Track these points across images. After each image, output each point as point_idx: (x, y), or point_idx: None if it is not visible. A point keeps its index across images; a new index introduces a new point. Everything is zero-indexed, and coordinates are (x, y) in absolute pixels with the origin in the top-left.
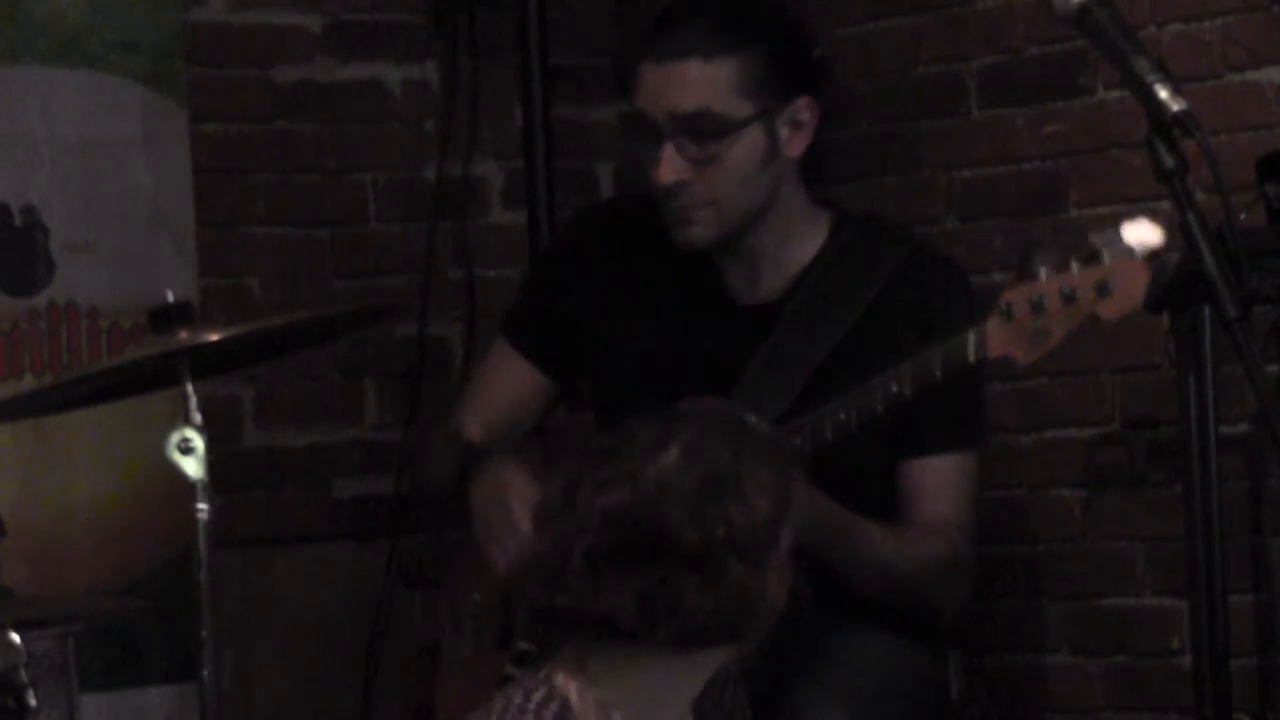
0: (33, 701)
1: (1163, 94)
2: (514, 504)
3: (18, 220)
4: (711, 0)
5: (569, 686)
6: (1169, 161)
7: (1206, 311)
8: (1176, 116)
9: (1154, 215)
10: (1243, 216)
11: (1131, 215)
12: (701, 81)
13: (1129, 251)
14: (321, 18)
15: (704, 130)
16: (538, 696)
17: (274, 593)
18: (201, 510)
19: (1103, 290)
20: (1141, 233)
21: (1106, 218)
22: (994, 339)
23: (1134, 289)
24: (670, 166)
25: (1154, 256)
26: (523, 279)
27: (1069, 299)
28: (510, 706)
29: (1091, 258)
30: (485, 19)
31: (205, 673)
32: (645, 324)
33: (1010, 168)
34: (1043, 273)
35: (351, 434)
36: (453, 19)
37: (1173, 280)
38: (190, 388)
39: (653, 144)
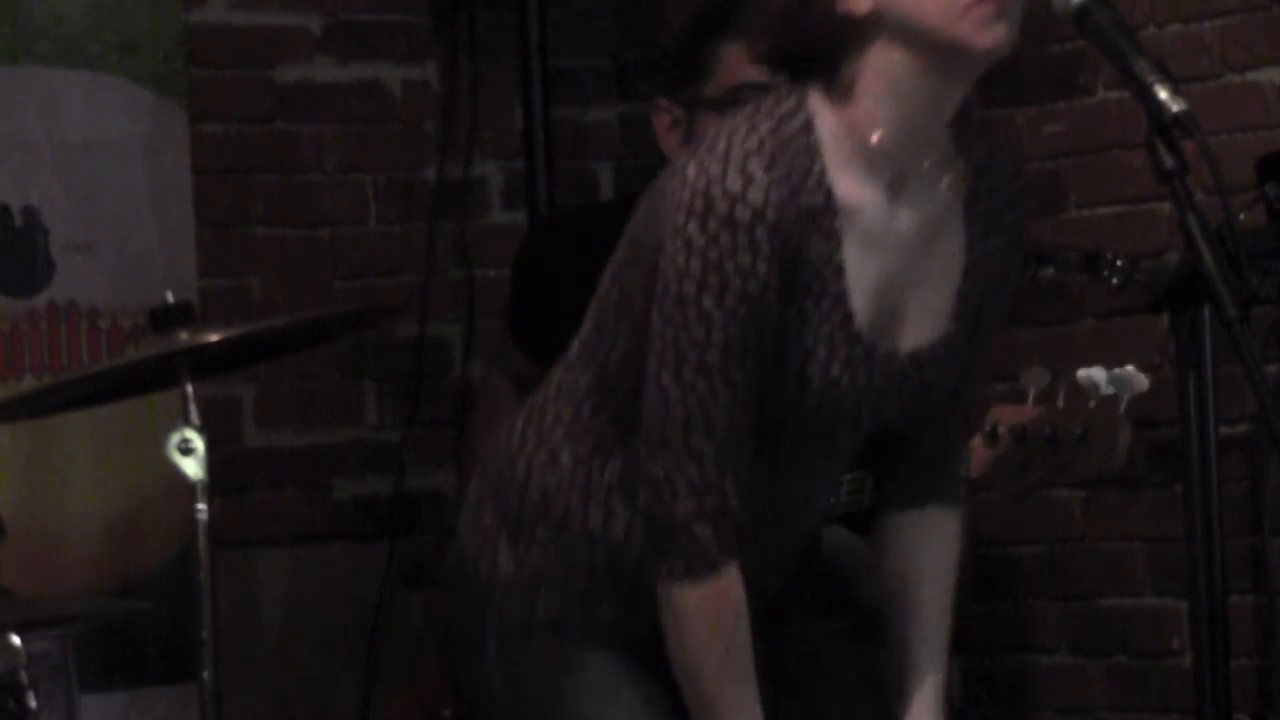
0: (33, 703)
1: (1162, 94)
2: None
3: (18, 220)
4: None
5: (821, 109)
6: (1169, 162)
7: (1206, 311)
8: (1176, 117)
9: (1140, 367)
10: (1243, 216)
11: (1122, 362)
12: None
13: (1113, 400)
14: (321, 18)
15: None
16: (786, 105)
17: (274, 593)
18: (201, 510)
19: (1082, 440)
20: (1128, 380)
21: (1107, 218)
22: (978, 461)
23: (1113, 446)
24: None
25: (1139, 402)
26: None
27: (1051, 440)
28: (760, 107)
29: (1078, 395)
30: (485, 19)
31: (205, 673)
32: None
33: None
34: (1030, 397)
35: (351, 434)
36: (453, 19)
37: (1173, 280)
38: (190, 388)
39: None
